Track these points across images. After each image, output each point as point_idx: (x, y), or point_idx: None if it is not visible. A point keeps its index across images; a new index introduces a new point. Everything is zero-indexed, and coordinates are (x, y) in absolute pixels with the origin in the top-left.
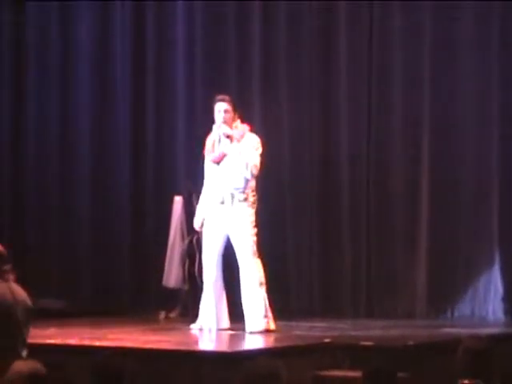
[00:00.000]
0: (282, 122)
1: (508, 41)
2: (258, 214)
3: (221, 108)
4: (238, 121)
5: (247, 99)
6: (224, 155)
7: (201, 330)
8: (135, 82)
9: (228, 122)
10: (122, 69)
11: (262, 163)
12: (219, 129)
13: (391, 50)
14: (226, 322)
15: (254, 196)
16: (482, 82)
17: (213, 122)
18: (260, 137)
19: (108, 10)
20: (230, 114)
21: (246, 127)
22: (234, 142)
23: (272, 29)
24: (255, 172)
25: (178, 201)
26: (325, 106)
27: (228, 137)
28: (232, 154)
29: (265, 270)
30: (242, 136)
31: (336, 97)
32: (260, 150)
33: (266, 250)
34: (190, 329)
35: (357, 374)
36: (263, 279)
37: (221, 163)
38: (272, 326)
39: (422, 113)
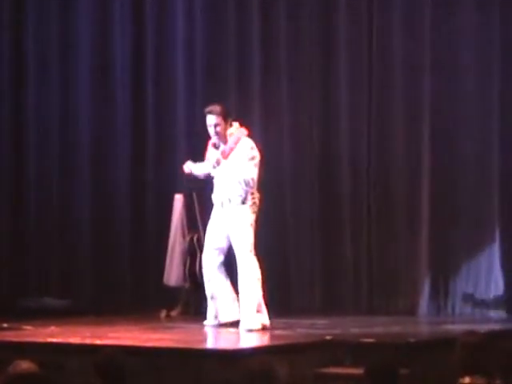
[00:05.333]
0: (283, 118)
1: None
2: (259, 211)
3: (211, 122)
4: (235, 125)
5: (247, 97)
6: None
7: (213, 326)
8: (135, 80)
9: (221, 134)
10: (121, 67)
11: (259, 169)
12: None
13: (391, 42)
14: (235, 315)
15: (253, 198)
16: (484, 78)
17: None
18: (259, 138)
19: (108, 8)
20: (221, 126)
21: (243, 132)
22: (222, 161)
23: (272, 23)
24: (253, 184)
25: (178, 199)
26: (325, 101)
27: (217, 162)
28: (225, 169)
29: (266, 267)
30: (236, 142)
31: (336, 92)
32: (256, 159)
33: (267, 246)
34: (203, 325)
35: (358, 371)
36: (259, 275)
37: (217, 169)
38: (266, 321)
39: (422, 103)
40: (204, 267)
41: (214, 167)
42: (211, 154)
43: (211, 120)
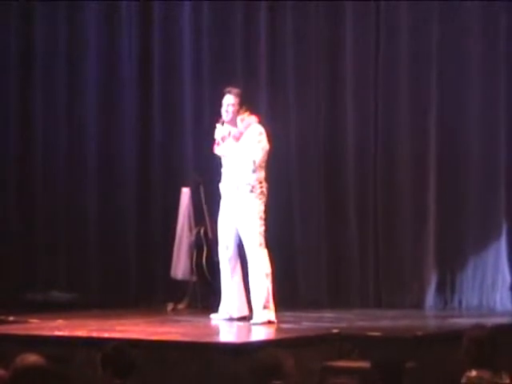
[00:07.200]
0: (289, 113)
1: None
2: (266, 204)
3: (228, 101)
4: (246, 114)
5: (254, 92)
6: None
7: (223, 319)
8: (143, 74)
9: (232, 115)
10: (129, 62)
11: (268, 154)
12: (218, 129)
13: (398, 39)
14: (244, 310)
15: (261, 187)
16: (489, 69)
17: (220, 114)
18: (266, 128)
19: (115, 9)
20: (235, 108)
21: (253, 118)
22: (231, 140)
23: (279, 21)
24: (253, 167)
25: (185, 192)
26: (332, 95)
27: (222, 139)
28: (231, 153)
29: (273, 262)
30: (247, 127)
31: (342, 87)
32: (263, 143)
33: (274, 241)
34: (210, 319)
35: (365, 364)
36: (269, 270)
37: (227, 156)
38: (273, 318)
39: (428, 99)
40: (220, 261)
41: (218, 144)
42: (220, 131)
43: (229, 99)
